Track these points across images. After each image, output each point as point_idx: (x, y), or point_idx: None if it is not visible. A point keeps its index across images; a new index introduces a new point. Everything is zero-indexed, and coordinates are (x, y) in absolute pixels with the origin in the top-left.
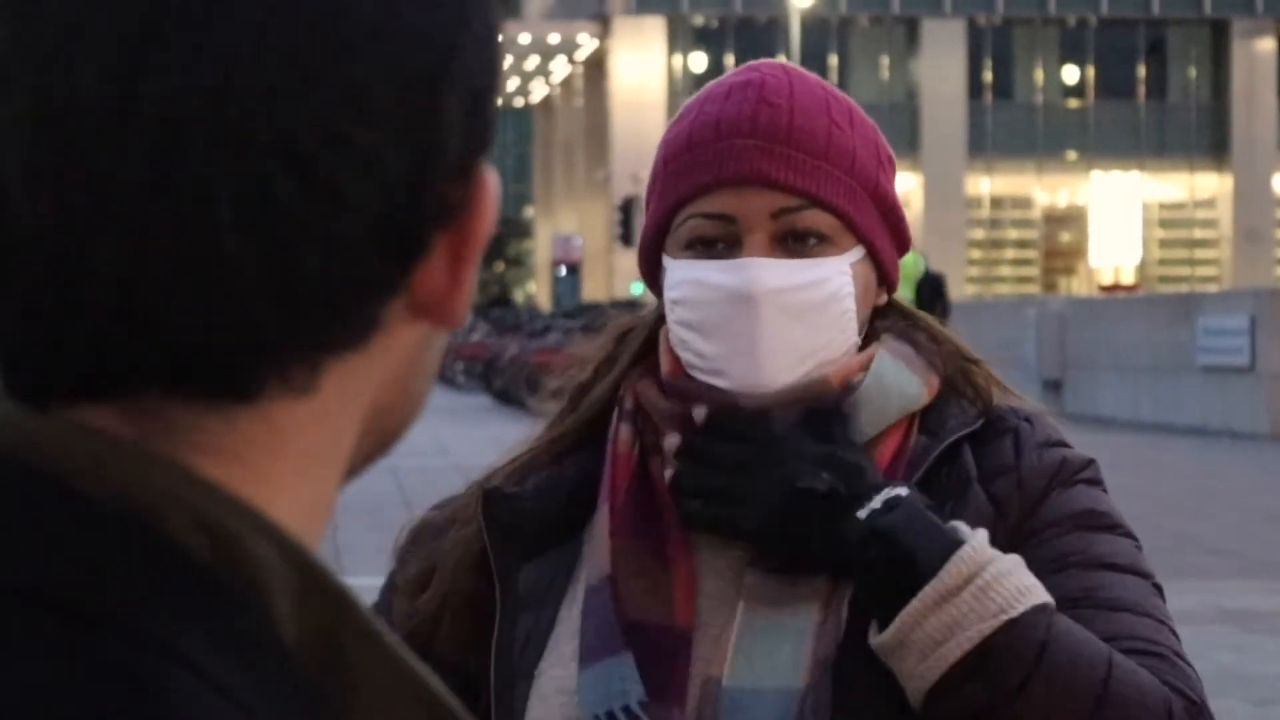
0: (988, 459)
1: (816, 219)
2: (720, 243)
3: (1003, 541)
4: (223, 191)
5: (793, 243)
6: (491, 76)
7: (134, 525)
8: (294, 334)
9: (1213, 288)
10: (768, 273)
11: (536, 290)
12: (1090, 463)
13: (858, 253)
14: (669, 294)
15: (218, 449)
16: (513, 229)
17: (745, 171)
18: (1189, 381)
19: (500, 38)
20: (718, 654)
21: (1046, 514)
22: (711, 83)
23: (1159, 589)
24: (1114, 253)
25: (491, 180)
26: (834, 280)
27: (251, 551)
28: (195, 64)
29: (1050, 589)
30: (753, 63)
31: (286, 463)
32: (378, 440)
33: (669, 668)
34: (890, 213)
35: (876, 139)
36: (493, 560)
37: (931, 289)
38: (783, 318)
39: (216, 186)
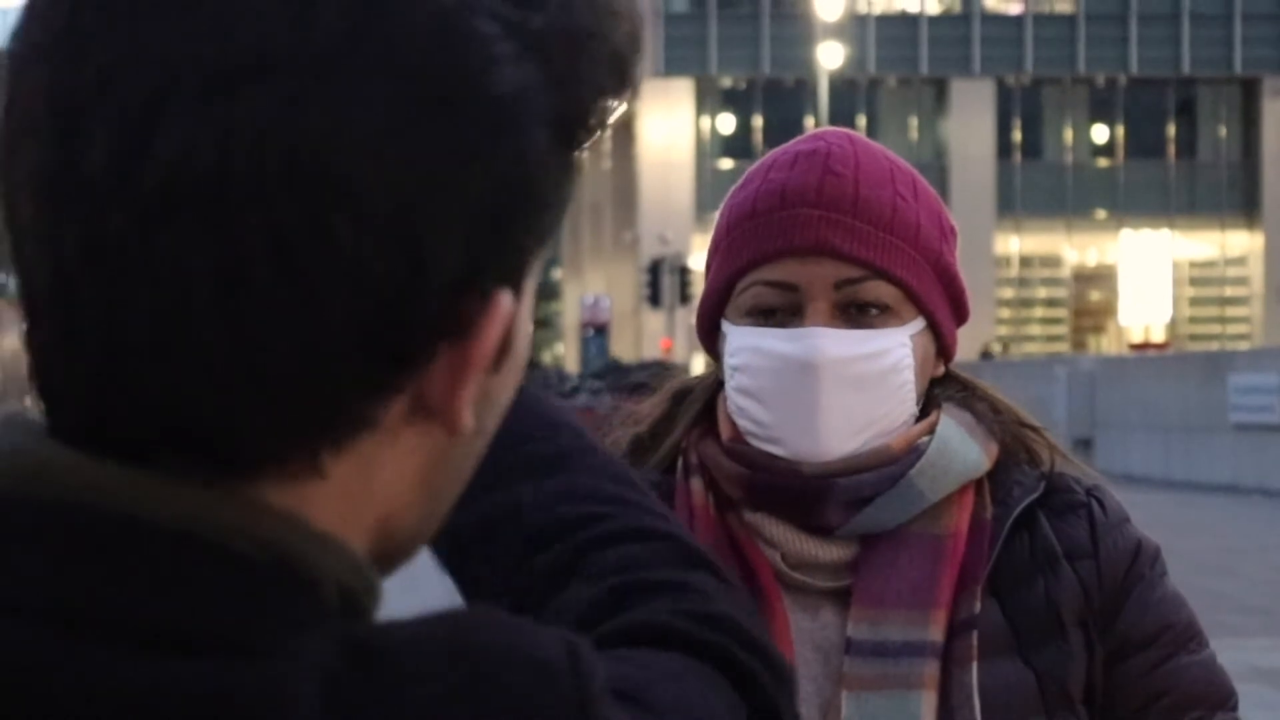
0: (1067, 537)
1: (879, 290)
2: (781, 311)
3: (1088, 622)
4: (202, 270)
5: (855, 313)
6: (513, 204)
7: (215, 553)
8: (273, 424)
9: (1244, 346)
10: (829, 342)
11: (565, 352)
12: (1158, 551)
13: (918, 324)
14: (729, 360)
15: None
16: (541, 291)
17: (810, 241)
18: (1221, 439)
19: (535, 172)
20: None
21: (1132, 624)
22: (776, 150)
23: (1233, 695)
24: (1144, 311)
25: (504, 303)
26: (895, 352)
27: (313, 562)
28: (195, 145)
29: None
30: (818, 130)
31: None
32: (392, 539)
33: None
34: (951, 284)
35: (940, 210)
36: None
37: None
38: (843, 387)
39: (197, 264)
